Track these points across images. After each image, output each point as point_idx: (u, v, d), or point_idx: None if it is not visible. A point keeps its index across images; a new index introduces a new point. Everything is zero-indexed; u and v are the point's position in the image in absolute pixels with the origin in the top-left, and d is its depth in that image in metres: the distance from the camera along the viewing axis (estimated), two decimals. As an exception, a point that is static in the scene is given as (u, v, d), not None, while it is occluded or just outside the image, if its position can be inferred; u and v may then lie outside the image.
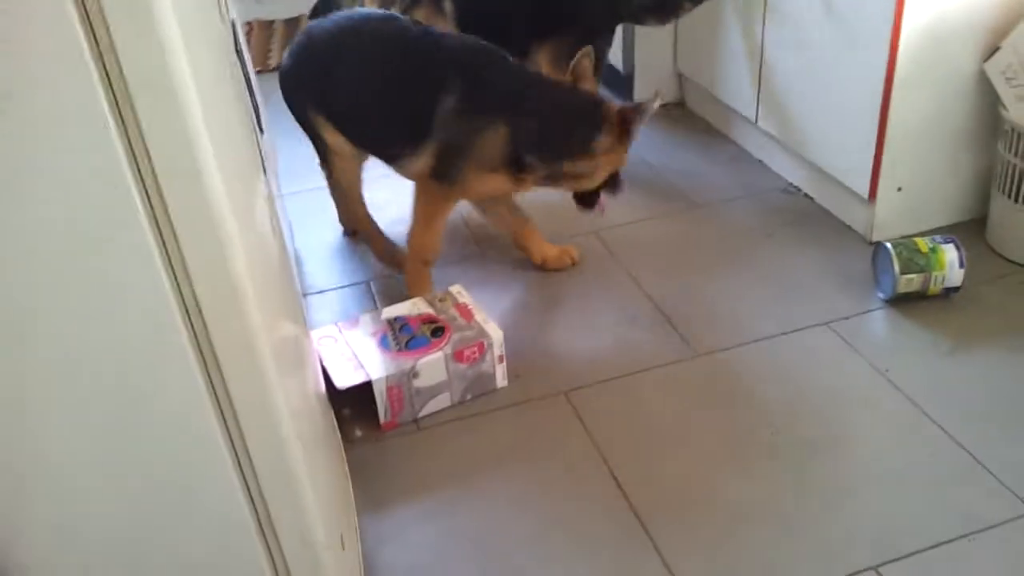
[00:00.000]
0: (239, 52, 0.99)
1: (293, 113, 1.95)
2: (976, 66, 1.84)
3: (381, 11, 1.97)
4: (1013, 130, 1.79)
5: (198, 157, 0.70)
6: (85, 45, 0.65)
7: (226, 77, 0.88)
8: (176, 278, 0.76)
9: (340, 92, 1.85)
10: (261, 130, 1.09)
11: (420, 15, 2.25)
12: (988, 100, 1.86)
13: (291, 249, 1.98)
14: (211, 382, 0.81)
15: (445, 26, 2.25)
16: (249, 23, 3.59)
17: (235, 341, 0.80)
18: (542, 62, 2.26)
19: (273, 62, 3.29)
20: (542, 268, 2.01)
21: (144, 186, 0.72)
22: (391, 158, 1.87)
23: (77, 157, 0.68)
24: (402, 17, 1.90)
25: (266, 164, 1.07)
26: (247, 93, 1.01)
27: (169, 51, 0.67)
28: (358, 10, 1.96)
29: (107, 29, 0.64)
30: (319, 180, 2.46)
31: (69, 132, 0.67)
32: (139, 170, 0.71)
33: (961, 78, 1.85)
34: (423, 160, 1.77)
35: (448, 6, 2.25)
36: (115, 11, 0.65)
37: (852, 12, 1.85)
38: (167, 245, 0.74)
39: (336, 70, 1.85)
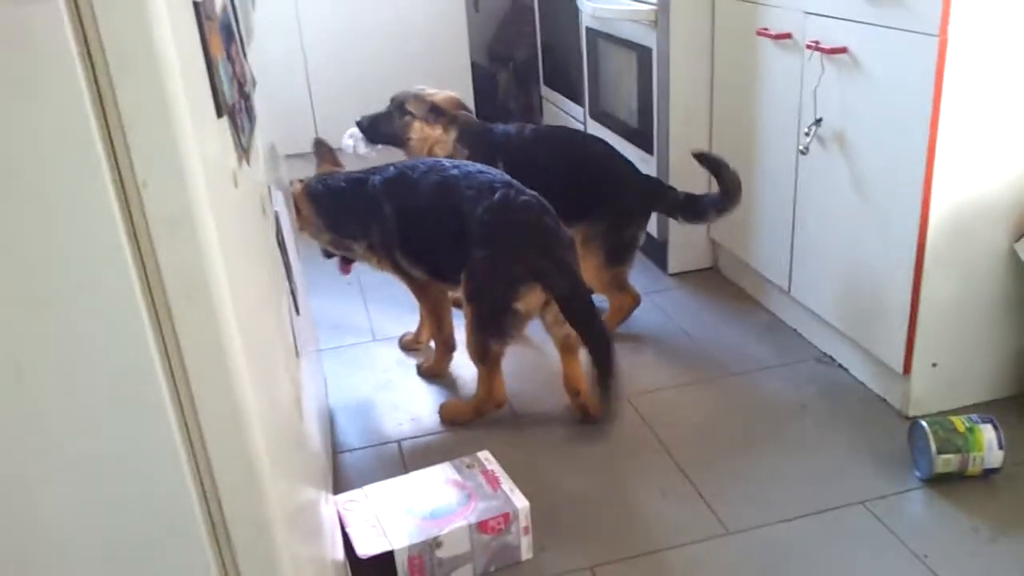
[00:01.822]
0: (281, 243, 1.05)
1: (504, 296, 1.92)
2: (1008, 245, 1.86)
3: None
4: (1047, 310, 1.79)
5: (226, 357, 0.74)
6: (128, 251, 0.70)
7: (264, 269, 0.93)
8: (196, 458, 0.78)
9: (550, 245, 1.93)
10: (298, 311, 1.14)
11: None
12: (1021, 278, 1.87)
13: (324, 407, 2.01)
14: (220, 552, 0.82)
15: None
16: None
17: (250, 518, 0.82)
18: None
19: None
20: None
21: (173, 374, 0.75)
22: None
23: (113, 355, 0.72)
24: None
25: (299, 343, 1.11)
26: (286, 280, 1.06)
27: (208, 260, 0.71)
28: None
29: (150, 241, 0.70)
30: (355, 336, 2.54)
31: (106, 331, 0.71)
32: (168, 359, 0.75)
33: (993, 257, 1.86)
34: None
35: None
36: (160, 225, 0.70)
37: (882, 189, 1.90)
38: (190, 432, 0.77)
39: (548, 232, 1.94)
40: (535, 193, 1.98)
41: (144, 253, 0.71)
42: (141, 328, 0.73)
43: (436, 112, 2.43)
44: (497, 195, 1.92)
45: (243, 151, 0.85)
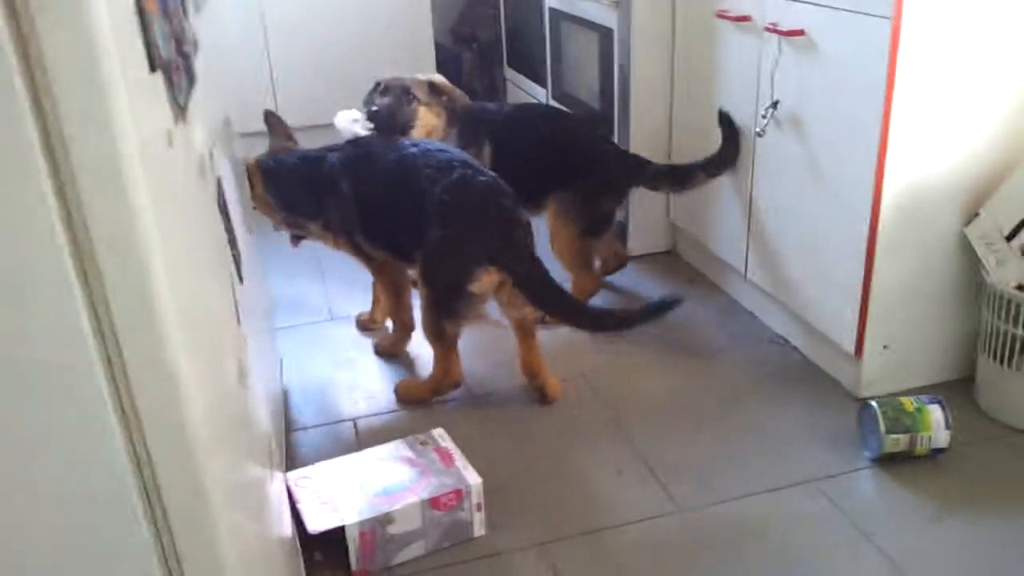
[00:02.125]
0: (223, 209, 1.03)
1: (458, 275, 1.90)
2: (958, 229, 1.88)
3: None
4: (996, 293, 1.81)
5: (156, 317, 0.72)
6: (54, 207, 0.68)
7: (202, 233, 0.91)
8: (129, 427, 0.76)
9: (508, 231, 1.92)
10: (241, 280, 1.12)
11: None
12: (971, 262, 1.89)
13: (278, 384, 1.99)
14: (155, 523, 0.81)
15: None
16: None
17: (185, 489, 0.80)
18: (550, 209, 2.35)
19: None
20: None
21: (103, 336, 0.73)
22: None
23: (39, 316, 0.70)
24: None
25: (242, 312, 1.09)
26: (228, 246, 1.04)
27: (138, 218, 0.69)
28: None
29: (77, 195, 0.67)
30: (313, 314, 2.52)
31: (31, 291, 0.69)
32: (98, 320, 0.73)
33: (944, 240, 1.89)
34: None
35: (487, 151, 2.36)
36: (87, 178, 0.68)
37: (835, 172, 1.91)
38: (122, 399, 0.75)
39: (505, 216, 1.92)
40: (494, 174, 1.97)
41: (72, 208, 0.69)
42: (69, 288, 0.71)
43: (435, 93, 2.36)
44: (455, 175, 1.91)
45: (180, 110, 0.83)
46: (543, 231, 2.26)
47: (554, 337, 2.28)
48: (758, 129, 2.11)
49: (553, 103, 3.13)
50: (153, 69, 0.76)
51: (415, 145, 2.01)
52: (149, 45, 0.75)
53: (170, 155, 0.80)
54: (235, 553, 0.88)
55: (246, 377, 1.05)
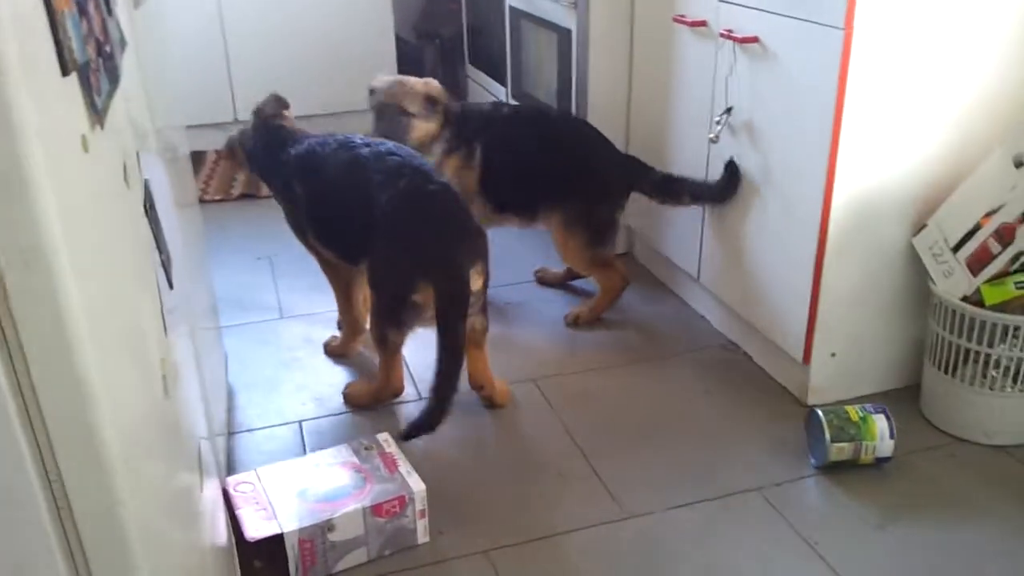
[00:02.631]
0: (151, 212, 0.99)
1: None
2: (906, 239, 1.89)
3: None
4: (941, 304, 1.83)
5: (67, 330, 0.69)
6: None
7: (123, 240, 0.88)
8: (36, 439, 0.73)
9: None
10: (171, 285, 1.09)
11: (451, 165, 2.31)
12: (919, 272, 1.91)
13: (220, 385, 1.95)
14: (67, 542, 0.78)
15: (471, 178, 2.31)
16: (217, 151, 3.66)
17: (97, 506, 0.77)
18: (554, 221, 2.32)
19: (237, 191, 3.33)
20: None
21: (8, 351, 0.70)
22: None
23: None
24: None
25: (173, 318, 1.06)
26: (155, 251, 1.01)
27: (45, 226, 0.66)
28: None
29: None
30: (263, 313, 2.48)
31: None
32: (2, 334, 0.70)
33: (892, 250, 1.90)
34: None
35: (477, 158, 2.32)
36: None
37: (786, 180, 1.91)
38: (30, 412, 0.72)
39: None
40: (445, 181, 1.93)
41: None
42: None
43: (432, 103, 2.29)
44: (403, 183, 1.87)
45: (97, 114, 0.80)
46: (527, 241, 2.26)
47: (505, 340, 2.27)
48: (712, 135, 2.10)
49: (512, 103, 3.11)
50: (66, 72, 0.73)
51: (367, 145, 1.97)
52: (61, 47, 0.72)
53: (85, 161, 0.77)
54: (155, 566, 0.86)
55: (172, 387, 1.02)
